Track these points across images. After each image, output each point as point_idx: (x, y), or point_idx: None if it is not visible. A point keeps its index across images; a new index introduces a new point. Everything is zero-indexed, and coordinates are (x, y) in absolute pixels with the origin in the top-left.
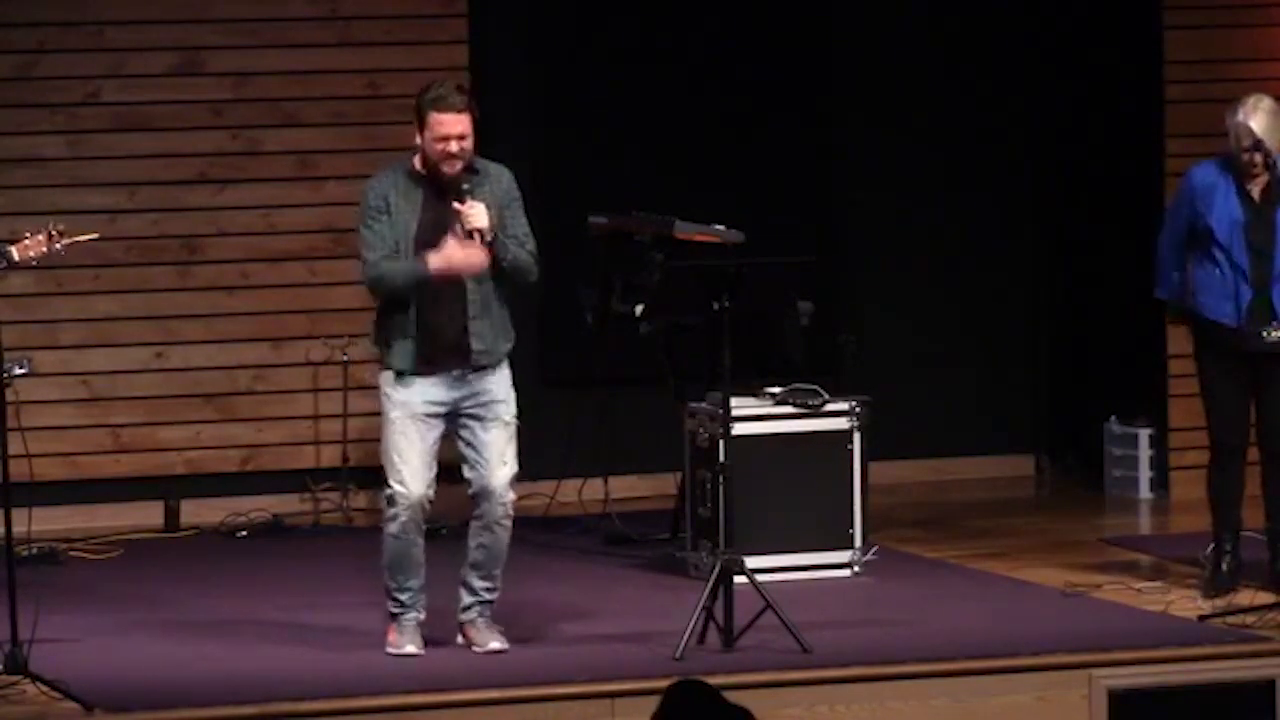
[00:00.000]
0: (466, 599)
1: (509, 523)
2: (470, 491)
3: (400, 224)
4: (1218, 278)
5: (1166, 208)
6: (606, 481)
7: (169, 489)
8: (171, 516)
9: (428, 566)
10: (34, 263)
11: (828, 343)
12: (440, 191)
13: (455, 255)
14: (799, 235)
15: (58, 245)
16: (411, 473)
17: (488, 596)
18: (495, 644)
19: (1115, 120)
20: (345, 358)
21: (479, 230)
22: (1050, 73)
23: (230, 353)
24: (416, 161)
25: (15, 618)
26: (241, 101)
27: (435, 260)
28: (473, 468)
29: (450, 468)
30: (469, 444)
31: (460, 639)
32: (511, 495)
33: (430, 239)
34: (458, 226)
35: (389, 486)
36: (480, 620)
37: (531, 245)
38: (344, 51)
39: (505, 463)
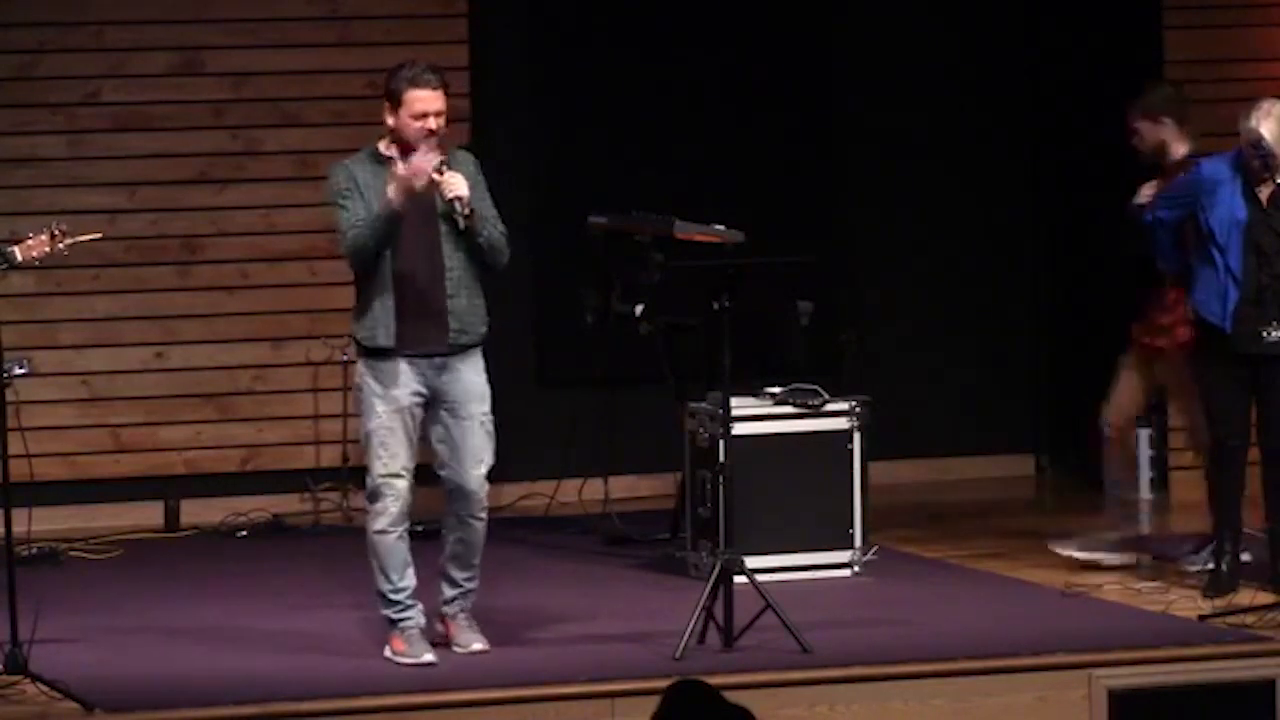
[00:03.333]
0: (448, 591)
1: (484, 515)
2: (446, 488)
3: (371, 205)
4: (1212, 277)
5: (1168, 192)
6: (606, 481)
7: (169, 489)
8: (171, 516)
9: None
10: (37, 263)
11: (828, 343)
12: None
13: (400, 171)
14: (799, 235)
15: (60, 245)
16: (398, 464)
17: (469, 586)
18: (478, 644)
19: (1115, 120)
20: (345, 358)
21: (459, 198)
22: (1050, 73)
23: (230, 353)
24: (383, 145)
25: (15, 618)
26: (241, 101)
27: (390, 190)
28: (447, 465)
29: (425, 466)
30: (444, 442)
31: (440, 628)
32: (486, 488)
33: (404, 220)
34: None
35: (374, 480)
36: (461, 616)
37: (502, 226)
38: (344, 51)
39: (481, 462)
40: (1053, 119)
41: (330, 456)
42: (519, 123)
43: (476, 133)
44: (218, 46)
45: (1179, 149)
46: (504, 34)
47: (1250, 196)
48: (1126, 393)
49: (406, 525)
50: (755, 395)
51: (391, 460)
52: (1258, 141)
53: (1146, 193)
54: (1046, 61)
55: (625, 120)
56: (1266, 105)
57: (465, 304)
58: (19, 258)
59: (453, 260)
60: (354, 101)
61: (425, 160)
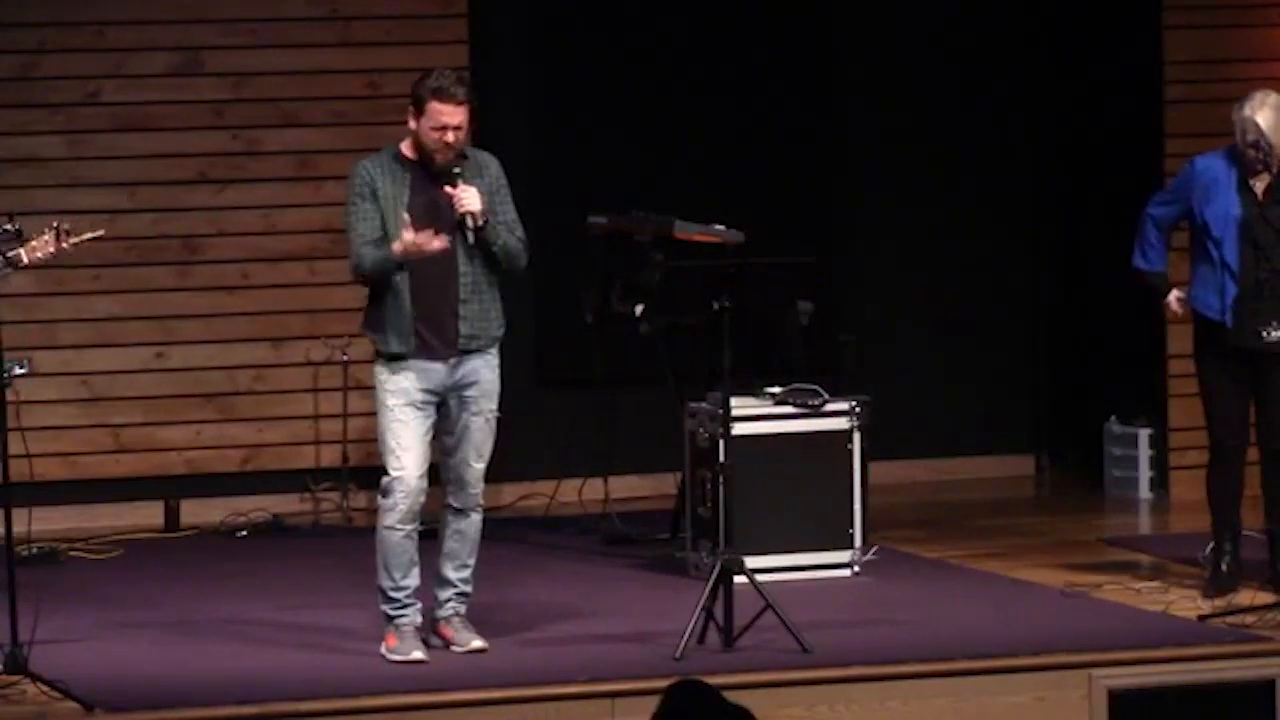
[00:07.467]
0: (443, 595)
1: (480, 509)
2: (446, 478)
3: (388, 208)
4: (1209, 273)
5: (1165, 189)
6: (606, 481)
7: (169, 489)
8: (171, 516)
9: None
10: (42, 264)
11: (828, 343)
12: (431, 175)
13: (407, 238)
14: (799, 235)
15: (66, 245)
16: (411, 460)
17: (464, 588)
18: (477, 643)
19: (1115, 120)
20: (345, 358)
21: (471, 214)
22: (1050, 73)
23: (230, 353)
24: (405, 146)
25: (15, 618)
26: (241, 101)
27: (397, 245)
28: (449, 456)
29: (434, 466)
30: (450, 433)
31: (435, 639)
32: (482, 485)
33: (422, 223)
34: (450, 210)
35: (387, 475)
36: (457, 619)
37: (521, 232)
38: (344, 51)
39: (481, 457)
40: (1053, 119)
41: (330, 456)
42: (519, 122)
43: (472, 123)
44: (218, 46)
45: None
46: (504, 34)
47: (1245, 191)
48: None
49: (416, 525)
50: (755, 395)
51: (405, 454)
52: (1255, 136)
53: None
54: (1047, 62)
55: (625, 119)
56: (1259, 96)
57: (478, 309)
58: (24, 260)
59: (467, 267)
60: (354, 101)
61: (423, 242)
